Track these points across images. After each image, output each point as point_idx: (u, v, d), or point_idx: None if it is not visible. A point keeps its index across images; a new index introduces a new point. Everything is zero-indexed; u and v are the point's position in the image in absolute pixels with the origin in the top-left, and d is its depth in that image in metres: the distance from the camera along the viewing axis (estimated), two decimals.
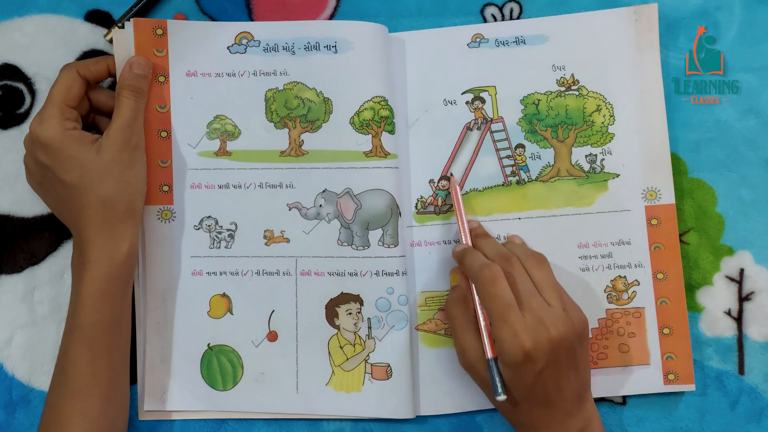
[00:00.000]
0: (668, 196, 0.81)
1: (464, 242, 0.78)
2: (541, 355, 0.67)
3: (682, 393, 0.81)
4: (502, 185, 0.82)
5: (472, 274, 0.73)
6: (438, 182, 0.81)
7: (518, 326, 0.68)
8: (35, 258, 0.82)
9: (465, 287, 0.77)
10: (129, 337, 0.77)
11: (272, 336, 0.80)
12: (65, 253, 0.82)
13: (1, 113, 0.83)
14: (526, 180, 0.81)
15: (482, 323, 0.73)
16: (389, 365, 0.80)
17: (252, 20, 0.83)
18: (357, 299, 0.80)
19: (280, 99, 0.80)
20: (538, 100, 0.82)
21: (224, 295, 0.80)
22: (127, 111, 0.75)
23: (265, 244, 0.80)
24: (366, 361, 0.80)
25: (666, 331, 0.80)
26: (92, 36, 0.83)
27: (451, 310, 0.76)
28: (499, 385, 0.70)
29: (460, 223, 0.78)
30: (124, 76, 0.76)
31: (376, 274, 0.79)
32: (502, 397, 0.69)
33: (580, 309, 0.72)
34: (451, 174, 0.81)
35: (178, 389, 0.80)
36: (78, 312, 0.73)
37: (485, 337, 0.72)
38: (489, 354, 0.71)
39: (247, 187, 0.80)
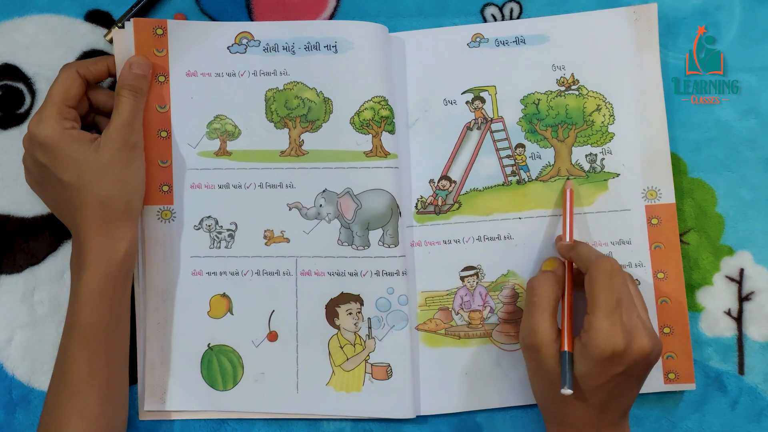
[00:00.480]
0: (668, 196, 0.81)
1: (569, 240, 0.78)
2: (627, 360, 0.68)
3: (682, 393, 0.81)
4: (503, 185, 0.82)
5: (589, 261, 0.72)
6: (438, 182, 0.81)
7: (619, 324, 0.68)
8: (35, 258, 0.82)
9: (561, 274, 0.76)
10: (128, 336, 0.77)
11: (272, 336, 0.80)
12: (65, 253, 0.82)
13: (1, 113, 0.83)
14: (527, 180, 0.81)
15: (566, 315, 0.72)
16: (389, 365, 0.80)
17: (252, 20, 0.83)
18: (357, 299, 0.80)
19: (280, 99, 0.80)
20: (538, 99, 0.82)
21: (224, 295, 0.80)
22: (126, 111, 0.75)
23: (265, 244, 0.80)
24: (366, 361, 0.80)
25: (666, 330, 0.80)
26: (92, 36, 0.83)
27: (538, 285, 0.73)
28: (569, 379, 0.69)
29: (569, 222, 0.79)
30: (124, 75, 0.76)
31: (377, 274, 0.79)
32: (568, 392, 0.68)
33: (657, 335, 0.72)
34: (568, 177, 0.81)
35: (178, 389, 0.80)
36: (76, 312, 0.73)
37: (566, 330, 0.71)
38: (566, 347, 0.70)
39: (247, 187, 0.80)
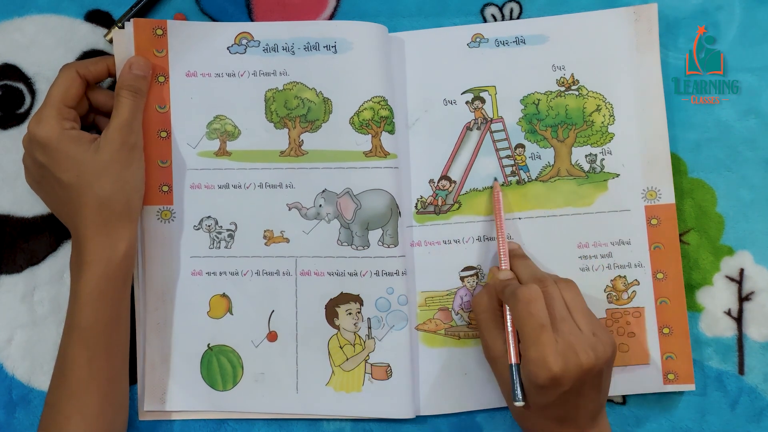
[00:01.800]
0: (668, 196, 0.81)
1: (503, 265, 0.77)
2: (568, 380, 0.67)
3: (681, 393, 0.81)
4: (502, 185, 0.82)
5: (506, 296, 0.73)
6: (438, 182, 0.81)
7: (549, 350, 0.67)
8: (35, 258, 0.82)
9: (496, 284, 0.76)
10: (128, 337, 0.77)
11: (272, 336, 0.80)
12: (65, 253, 0.82)
13: (1, 113, 0.83)
14: (526, 180, 0.81)
15: (509, 329, 0.73)
16: (389, 365, 0.80)
17: (252, 20, 0.83)
18: (357, 299, 0.80)
19: (279, 99, 0.80)
20: (538, 99, 0.82)
21: (224, 295, 0.80)
22: (125, 111, 0.75)
23: (265, 244, 0.80)
24: (366, 361, 0.80)
25: (666, 330, 0.80)
26: (92, 36, 0.83)
27: (476, 303, 0.76)
28: (519, 392, 0.70)
29: (500, 243, 0.78)
30: (124, 76, 0.76)
31: (376, 274, 0.79)
32: (520, 404, 0.70)
33: (609, 333, 0.72)
34: (495, 179, 0.81)
35: (178, 389, 0.80)
36: (76, 312, 0.73)
37: (510, 344, 0.72)
38: (513, 359, 0.71)
39: (247, 187, 0.80)
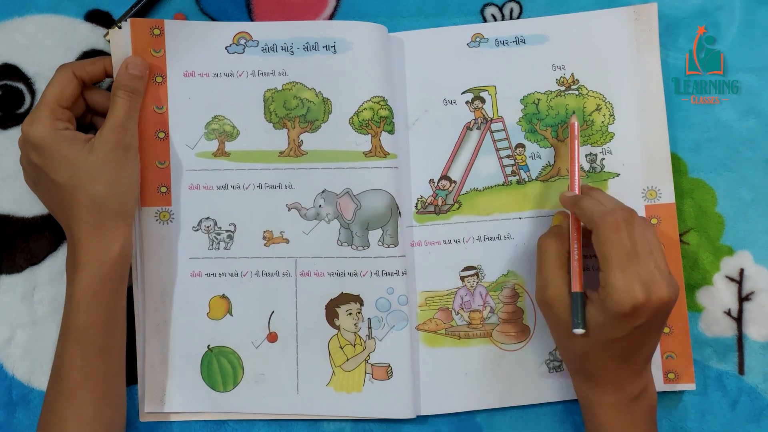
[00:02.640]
0: (668, 196, 0.81)
1: (575, 191, 0.76)
2: (646, 312, 0.68)
3: (682, 393, 0.81)
4: (503, 185, 0.82)
5: (593, 217, 0.71)
6: (438, 182, 0.81)
7: (635, 278, 0.67)
8: (35, 258, 0.82)
9: (566, 228, 0.75)
10: (124, 338, 0.77)
11: (272, 337, 0.80)
12: (65, 253, 0.81)
13: (1, 113, 0.83)
14: (527, 179, 0.81)
15: (575, 257, 0.73)
16: (390, 365, 0.80)
17: (252, 20, 0.83)
18: (357, 299, 0.80)
19: (278, 99, 0.80)
20: (538, 99, 0.82)
21: (224, 296, 0.80)
22: (120, 111, 0.75)
23: (265, 244, 0.80)
24: (366, 361, 0.80)
25: (666, 330, 0.80)
26: (92, 36, 0.83)
27: (544, 243, 0.74)
28: (580, 320, 0.70)
29: (573, 168, 0.77)
30: (120, 76, 0.76)
31: (376, 274, 0.79)
32: (580, 331, 0.69)
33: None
34: (574, 112, 0.81)
35: (178, 391, 0.80)
36: (71, 314, 0.73)
37: (575, 271, 0.72)
38: (576, 287, 0.71)
39: (246, 188, 0.80)
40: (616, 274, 0.68)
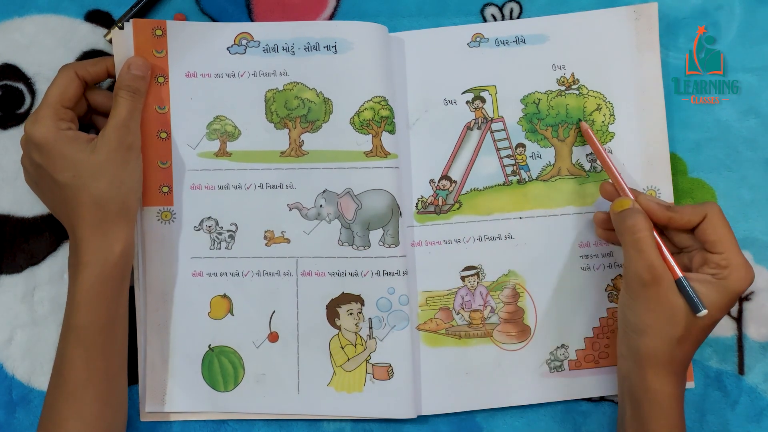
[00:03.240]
0: (667, 195, 0.81)
1: (626, 193, 0.76)
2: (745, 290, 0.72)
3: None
4: (503, 185, 0.82)
5: (704, 207, 0.72)
6: (438, 182, 0.81)
7: (745, 259, 0.71)
8: (35, 258, 0.82)
9: (641, 211, 0.73)
10: (126, 338, 0.77)
11: (273, 337, 0.80)
12: (65, 253, 0.82)
13: (1, 113, 0.83)
14: (527, 179, 0.81)
15: (664, 246, 0.72)
16: (390, 365, 0.80)
17: (252, 20, 0.83)
18: (358, 299, 0.80)
19: (280, 99, 0.80)
20: (539, 99, 0.82)
21: (225, 296, 0.80)
22: (123, 111, 0.75)
23: (266, 244, 0.80)
24: (367, 361, 0.80)
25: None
26: (92, 36, 0.83)
27: (637, 222, 0.72)
28: (699, 301, 0.69)
29: (615, 175, 0.77)
30: (122, 76, 0.76)
31: (377, 274, 0.79)
32: (704, 312, 0.69)
33: None
34: (580, 120, 0.82)
35: (179, 390, 0.80)
36: (73, 313, 0.73)
37: (671, 260, 0.71)
38: (680, 273, 0.70)
39: (248, 188, 0.80)
40: (738, 255, 0.70)
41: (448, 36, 0.82)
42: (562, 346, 0.81)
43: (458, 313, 0.81)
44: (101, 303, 0.73)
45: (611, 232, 0.77)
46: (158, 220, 0.80)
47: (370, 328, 0.80)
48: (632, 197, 0.75)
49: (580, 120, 0.81)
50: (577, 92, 0.82)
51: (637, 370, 0.72)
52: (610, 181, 0.78)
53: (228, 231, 0.80)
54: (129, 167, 0.75)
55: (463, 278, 0.81)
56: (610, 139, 0.81)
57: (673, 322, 0.70)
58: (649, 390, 0.71)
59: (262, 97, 0.80)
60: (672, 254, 0.71)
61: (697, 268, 0.72)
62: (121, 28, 0.79)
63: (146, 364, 0.80)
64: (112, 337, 0.75)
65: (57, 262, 0.82)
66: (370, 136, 0.79)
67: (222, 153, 0.80)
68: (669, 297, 0.70)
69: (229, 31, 0.80)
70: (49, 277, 0.82)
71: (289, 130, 0.80)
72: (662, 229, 0.74)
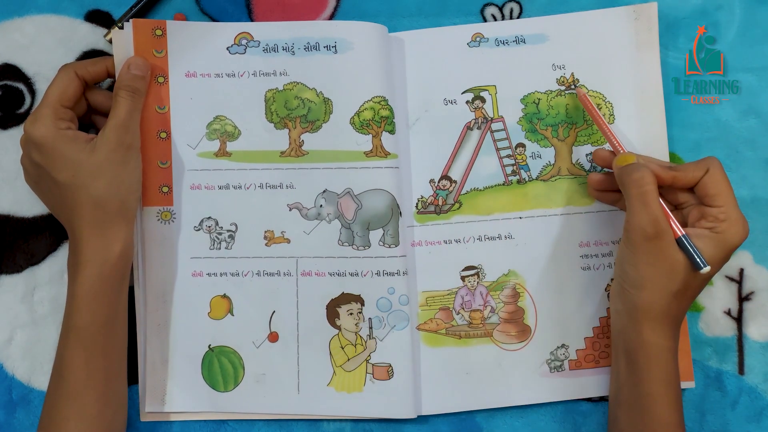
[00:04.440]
0: None
1: (622, 150, 0.76)
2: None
3: (682, 392, 0.81)
4: (503, 184, 0.82)
5: (705, 162, 0.73)
6: (438, 182, 0.81)
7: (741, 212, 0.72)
8: (35, 258, 0.82)
9: (646, 166, 0.73)
10: (125, 337, 0.77)
11: (273, 337, 0.80)
12: (65, 253, 0.81)
13: (1, 113, 0.83)
14: (527, 179, 0.81)
15: (664, 204, 0.72)
16: (390, 365, 0.80)
17: (252, 20, 0.83)
18: (358, 299, 0.80)
19: (280, 99, 0.80)
20: (539, 99, 0.82)
21: (225, 296, 0.80)
22: (122, 111, 0.75)
23: (266, 244, 0.80)
24: (367, 361, 0.80)
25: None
26: (92, 36, 0.83)
27: (642, 176, 0.72)
28: (699, 258, 0.70)
29: (611, 137, 0.77)
30: (122, 76, 0.76)
31: (377, 274, 0.79)
32: (707, 269, 0.70)
33: None
34: (576, 86, 0.82)
35: (179, 390, 0.80)
36: (72, 313, 0.73)
37: (672, 218, 0.72)
38: (681, 231, 0.71)
39: (248, 188, 0.80)
40: (735, 208, 0.71)
41: (448, 36, 0.82)
42: (563, 345, 0.81)
43: (458, 313, 0.81)
44: (101, 303, 0.73)
45: (604, 193, 0.79)
46: (158, 220, 0.80)
47: (370, 328, 0.80)
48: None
49: (576, 86, 0.81)
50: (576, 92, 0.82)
51: (633, 324, 0.73)
52: (603, 147, 0.79)
53: (228, 231, 0.80)
54: (128, 167, 0.75)
55: (463, 278, 0.81)
56: None
57: (672, 276, 0.70)
58: (645, 343, 0.72)
59: (262, 97, 0.80)
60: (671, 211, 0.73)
61: (694, 223, 0.72)
62: (121, 28, 0.79)
63: (146, 364, 0.80)
64: (112, 337, 0.75)
65: (57, 262, 0.82)
66: (370, 136, 0.79)
67: (222, 153, 0.80)
68: (670, 251, 0.70)
69: (229, 31, 0.80)
70: (49, 277, 0.82)
71: (289, 130, 0.80)
72: (662, 188, 0.74)
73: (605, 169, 0.80)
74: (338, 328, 0.80)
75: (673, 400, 0.72)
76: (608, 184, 0.78)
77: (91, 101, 0.78)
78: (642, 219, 0.70)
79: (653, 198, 0.71)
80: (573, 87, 0.81)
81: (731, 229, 0.71)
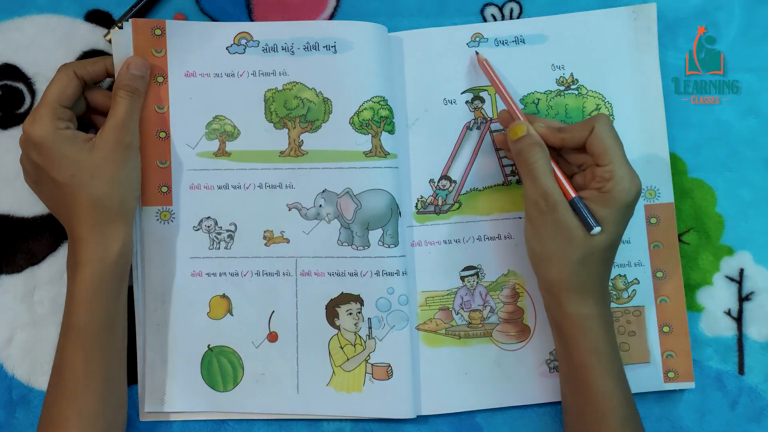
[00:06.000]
0: (667, 195, 0.81)
1: (519, 117, 0.76)
2: (636, 202, 0.72)
3: (682, 392, 0.81)
4: (502, 184, 0.82)
5: (591, 121, 0.72)
6: (438, 182, 0.81)
7: (631, 168, 0.71)
8: (35, 258, 0.82)
9: (538, 138, 0.73)
10: (125, 337, 0.77)
11: (272, 337, 0.80)
12: (65, 253, 0.81)
13: (1, 113, 0.83)
14: None
15: (559, 171, 0.72)
16: (390, 365, 0.80)
17: (252, 20, 0.83)
18: (357, 299, 0.80)
19: (279, 99, 0.80)
20: (538, 99, 0.82)
21: (224, 296, 0.80)
22: (121, 111, 0.75)
23: (265, 244, 0.80)
24: (366, 361, 0.80)
25: (666, 329, 0.80)
26: (92, 36, 0.83)
27: (528, 153, 0.72)
28: (593, 220, 0.70)
29: (509, 102, 0.77)
30: (121, 76, 0.76)
31: (377, 274, 0.79)
32: (598, 229, 0.69)
33: None
34: (476, 53, 0.82)
35: (178, 390, 0.80)
36: (71, 312, 0.73)
37: (565, 179, 0.72)
38: (573, 194, 0.71)
39: (247, 188, 0.80)
40: (623, 165, 0.70)
41: (447, 36, 0.82)
42: None
43: (458, 313, 0.81)
44: (100, 302, 0.73)
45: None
46: (157, 219, 0.80)
47: (370, 328, 0.80)
48: (525, 121, 0.75)
49: (477, 52, 0.81)
50: (576, 92, 0.82)
51: (552, 298, 0.73)
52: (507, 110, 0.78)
53: (227, 231, 0.80)
54: (127, 167, 0.75)
55: (462, 278, 0.81)
56: None
57: (572, 244, 0.70)
58: (567, 315, 0.72)
59: (262, 97, 0.80)
60: (569, 175, 0.73)
61: (587, 184, 0.72)
62: (121, 27, 0.79)
63: (145, 364, 0.80)
64: (111, 336, 0.75)
65: (57, 262, 0.82)
66: (370, 136, 0.79)
67: (221, 153, 0.80)
68: (565, 220, 0.70)
69: (229, 30, 0.80)
70: (49, 277, 0.82)
71: (289, 130, 0.80)
72: (558, 150, 0.74)
73: None
74: (337, 328, 0.80)
75: (607, 368, 0.72)
76: None
77: (90, 101, 0.78)
78: (534, 194, 0.71)
79: (542, 172, 0.71)
80: (477, 53, 0.82)
81: (618, 187, 0.70)
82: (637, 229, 0.81)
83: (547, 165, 0.72)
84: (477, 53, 0.81)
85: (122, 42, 0.78)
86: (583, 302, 0.71)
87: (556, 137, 0.73)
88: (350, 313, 0.80)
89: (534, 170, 0.72)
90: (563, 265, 0.71)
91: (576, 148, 0.73)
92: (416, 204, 0.82)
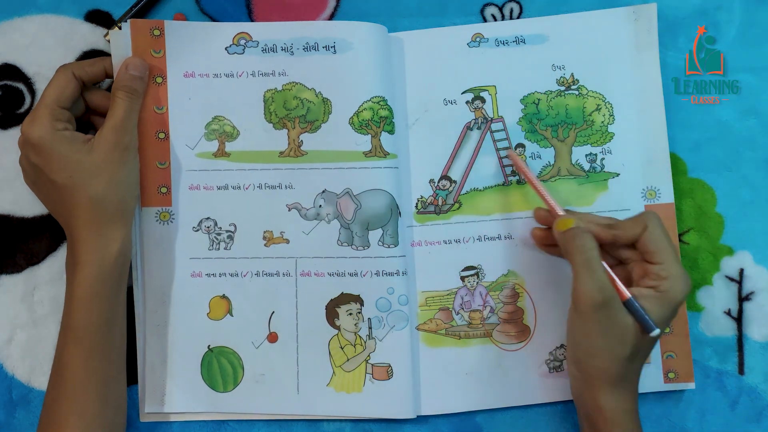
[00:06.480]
0: (667, 196, 0.81)
1: (559, 212, 0.75)
2: None
3: (682, 392, 0.81)
4: (503, 185, 0.82)
5: (642, 218, 0.72)
6: (438, 182, 0.81)
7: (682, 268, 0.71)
8: (35, 258, 0.82)
9: (586, 230, 0.72)
10: (124, 337, 0.77)
11: (272, 337, 0.80)
12: (65, 253, 0.81)
13: (1, 113, 0.83)
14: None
15: (611, 263, 0.73)
16: (390, 365, 0.80)
17: (252, 20, 0.83)
18: (357, 299, 0.80)
19: (278, 99, 0.80)
20: (538, 99, 0.82)
21: (224, 296, 0.80)
22: (120, 111, 0.75)
23: (265, 245, 0.80)
24: (367, 361, 0.80)
25: (666, 330, 0.80)
26: (92, 36, 0.83)
27: (584, 243, 0.71)
28: (651, 322, 0.69)
29: (547, 199, 0.76)
30: (120, 77, 0.76)
31: (377, 274, 0.79)
32: (657, 331, 0.69)
33: None
34: (509, 148, 0.82)
35: (178, 391, 0.80)
36: (71, 313, 0.73)
37: (618, 281, 0.71)
38: (628, 294, 0.70)
39: (246, 188, 0.80)
40: (676, 264, 0.70)
41: (447, 36, 0.82)
42: (562, 346, 0.81)
43: (458, 313, 0.81)
44: (98, 303, 0.73)
45: (554, 248, 0.77)
46: (157, 220, 0.80)
47: (370, 328, 0.80)
48: (572, 215, 0.74)
49: (508, 148, 0.81)
50: (576, 92, 0.82)
51: (589, 391, 0.72)
52: (544, 207, 0.77)
53: (227, 231, 0.80)
54: (126, 167, 0.75)
55: (462, 278, 0.81)
56: (610, 140, 0.81)
57: (623, 342, 0.69)
58: (603, 409, 0.71)
59: (261, 98, 0.80)
60: (614, 268, 0.72)
61: (638, 280, 0.72)
62: (120, 28, 0.79)
63: (145, 365, 0.80)
64: (111, 337, 0.75)
65: (57, 262, 0.82)
66: (369, 136, 0.79)
67: (220, 153, 0.80)
68: (619, 317, 0.69)
69: (228, 31, 0.80)
70: (49, 277, 0.82)
71: (288, 131, 0.80)
72: (603, 245, 0.73)
73: None
74: (337, 328, 0.80)
75: None
76: (552, 239, 0.76)
77: (89, 102, 0.78)
78: (589, 287, 0.69)
79: (597, 264, 0.70)
80: (508, 149, 0.82)
81: (674, 287, 0.69)
82: None
83: (599, 257, 0.71)
84: (509, 149, 0.81)
85: (121, 43, 0.78)
86: (622, 397, 0.71)
87: (608, 233, 0.72)
88: (350, 314, 0.80)
89: (589, 261, 0.70)
90: (611, 362, 0.71)
91: (626, 245, 0.73)
92: (416, 204, 0.82)
